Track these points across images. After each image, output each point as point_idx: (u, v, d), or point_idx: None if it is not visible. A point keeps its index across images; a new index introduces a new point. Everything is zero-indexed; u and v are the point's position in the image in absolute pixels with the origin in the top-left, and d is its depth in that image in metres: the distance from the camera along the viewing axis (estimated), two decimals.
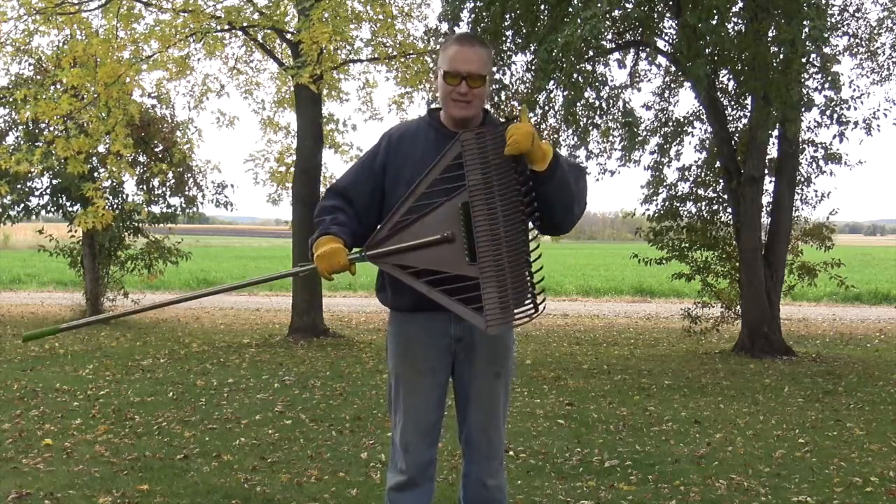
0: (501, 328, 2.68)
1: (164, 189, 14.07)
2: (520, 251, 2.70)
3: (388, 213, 2.79)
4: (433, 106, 2.94)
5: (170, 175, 13.53)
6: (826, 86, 8.63)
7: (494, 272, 2.64)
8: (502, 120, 2.97)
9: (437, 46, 10.21)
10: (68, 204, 13.62)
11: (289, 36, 11.21)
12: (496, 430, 2.90)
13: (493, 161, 2.66)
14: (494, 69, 10.08)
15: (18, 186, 13.11)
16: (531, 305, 2.72)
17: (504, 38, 9.88)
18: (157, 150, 13.67)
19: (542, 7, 9.53)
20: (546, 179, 2.68)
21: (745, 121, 10.89)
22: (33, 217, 14.29)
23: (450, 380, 2.92)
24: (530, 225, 2.79)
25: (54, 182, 13.38)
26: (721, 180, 11.03)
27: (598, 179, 12.63)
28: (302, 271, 2.82)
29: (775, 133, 10.18)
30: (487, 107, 2.90)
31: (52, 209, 14.06)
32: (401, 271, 2.71)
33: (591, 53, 9.51)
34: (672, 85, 11.92)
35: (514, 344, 2.97)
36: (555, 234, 2.77)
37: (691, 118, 11.85)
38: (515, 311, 2.68)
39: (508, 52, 10.12)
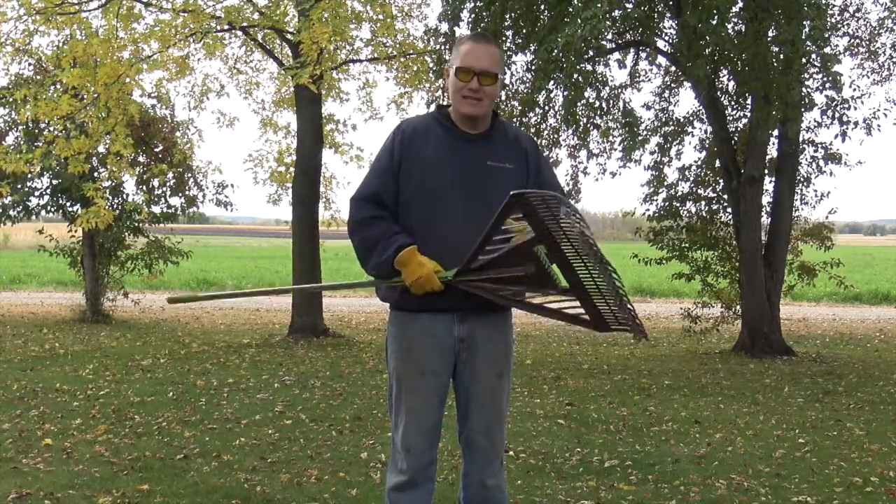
0: (615, 330, 2.77)
1: (164, 189, 14.07)
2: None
3: (401, 207, 2.81)
4: (442, 103, 2.96)
5: (170, 175, 13.52)
6: (827, 86, 8.63)
7: (586, 292, 2.73)
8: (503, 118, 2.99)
9: (437, 46, 10.21)
10: (68, 204, 13.62)
11: (289, 36, 11.21)
12: (498, 431, 2.90)
13: (551, 221, 2.67)
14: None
15: (19, 187, 13.11)
16: (628, 316, 2.75)
17: (504, 38, 9.88)
18: (157, 150, 13.66)
19: (543, 7, 9.53)
20: None
21: (745, 121, 10.88)
22: (33, 217, 14.28)
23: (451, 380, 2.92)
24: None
25: (54, 182, 13.38)
26: (721, 180, 11.03)
27: (597, 179, 12.68)
28: (394, 282, 2.81)
29: (775, 133, 10.18)
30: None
31: (52, 209, 14.05)
32: (491, 286, 2.72)
33: (591, 53, 9.51)
34: (672, 85, 11.92)
35: (515, 344, 2.97)
36: None
37: (691, 118, 11.86)
38: (617, 315, 2.75)
39: (508, 52, 10.11)
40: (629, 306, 2.73)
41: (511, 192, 2.61)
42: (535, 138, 2.96)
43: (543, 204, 2.62)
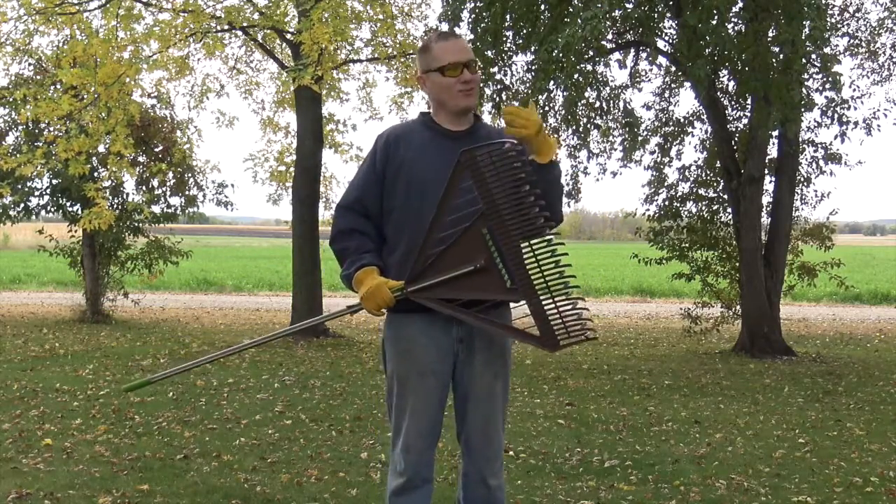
0: (565, 346, 2.74)
1: (164, 189, 14.07)
2: (551, 261, 2.72)
3: (387, 215, 2.83)
4: (424, 109, 2.98)
5: (170, 175, 13.52)
6: (827, 86, 8.62)
7: (535, 293, 2.69)
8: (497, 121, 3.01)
9: None
10: (68, 204, 13.62)
11: (289, 36, 11.21)
12: (496, 431, 2.91)
13: (496, 182, 2.67)
14: (494, 69, 10.08)
15: (19, 187, 13.11)
16: (578, 323, 2.71)
17: (504, 39, 9.87)
18: (157, 150, 13.66)
19: (543, 7, 9.52)
20: (545, 172, 2.76)
21: (745, 121, 10.89)
22: (33, 217, 14.28)
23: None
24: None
25: (55, 182, 13.38)
26: (721, 180, 11.03)
27: (598, 179, 12.66)
28: (351, 311, 2.88)
29: (775, 133, 10.18)
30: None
31: (53, 209, 14.05)
32: (446, 305, 2.74)
33: (591, 53, 9.51)
34: (672, 85, 11.92)
35: (512, 343, 2.98)
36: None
37: (691, 118, 11.85)
38: (568, 325, 2.71)
39: (509, 53, 10.10)
40: (571, 301, 2.71)
41: (461, 150, 2.68)
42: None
43: (489, 158, 2.66)
